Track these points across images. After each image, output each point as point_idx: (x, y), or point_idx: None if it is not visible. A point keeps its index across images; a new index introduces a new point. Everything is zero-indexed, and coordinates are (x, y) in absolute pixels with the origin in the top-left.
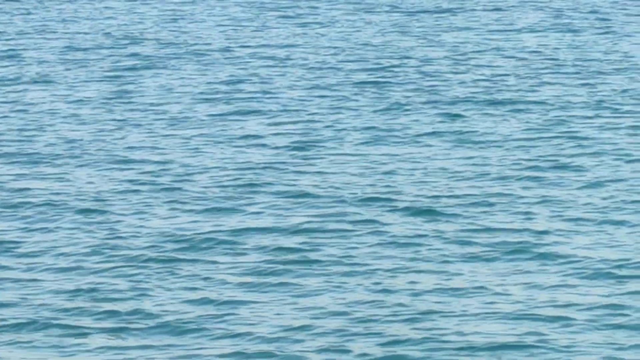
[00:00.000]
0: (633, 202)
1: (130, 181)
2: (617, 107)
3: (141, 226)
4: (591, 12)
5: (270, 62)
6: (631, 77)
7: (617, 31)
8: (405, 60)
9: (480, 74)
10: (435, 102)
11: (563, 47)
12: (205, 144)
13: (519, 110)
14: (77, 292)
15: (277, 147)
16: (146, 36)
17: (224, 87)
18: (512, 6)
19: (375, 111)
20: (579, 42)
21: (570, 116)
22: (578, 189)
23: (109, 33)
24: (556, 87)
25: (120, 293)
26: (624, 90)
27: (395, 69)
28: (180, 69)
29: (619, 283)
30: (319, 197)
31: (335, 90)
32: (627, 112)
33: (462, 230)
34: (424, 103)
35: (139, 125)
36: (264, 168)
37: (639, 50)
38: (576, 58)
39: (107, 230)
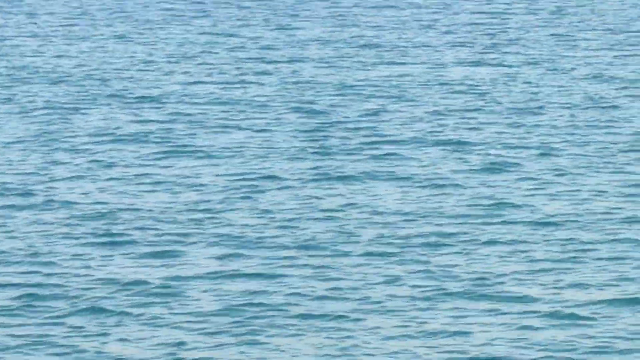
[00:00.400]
0: (582, 241)
1: (62, 225)
2: (556, 144)
3: (76, 272)
4: (523, 46)
5: (201, 102)
6: (572, 113)
7: (552, 66)
8: (340, 99)
9: (417, 113)
10: (374, 142)
11: (498, 82)
12: (138, 186)
13: (459, 150)
14: (14, 339)
15: (213, 190)
16: (73, 75)
17: (154, 128)
18: (445, 43)
19: (313, 152)
20: (512, 77)
21: (510, 155)
22: (527, 228)
23: (34, 71)
24: (494, 126)
25: (59, 339)
26: (562, 127)
27: (332, 109)
28: (108, 109)
29: (575, 323)
30: (261, 240)
31: (270, 130)
32: (568, 152)
33: (415, 272)
34: (363, 143)
35: (69, 167)
36: (201, 210)
37: (575, 84)
38: (511, 93)
39: (41, 277)
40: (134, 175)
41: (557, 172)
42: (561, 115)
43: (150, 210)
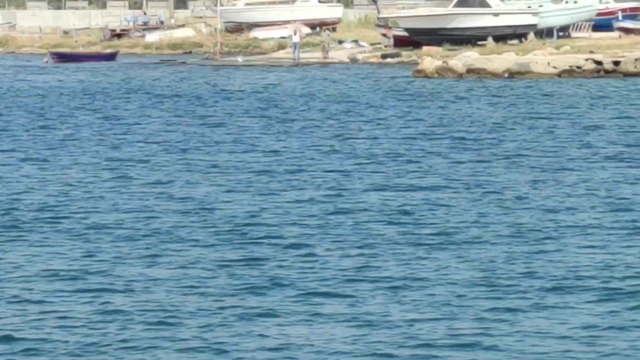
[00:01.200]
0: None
1: None
2: (495, 279)
3: None
4: (447, 171)
5: (119, 234)
6: (510, 243)
7: (478, 193)
8: (275, 237)
9: (345, 250)
10: (311, 279)
11: (421, 210)
12: (56, 320)
13: (391, 286)
14: None
15: (139, 323)
16: None
17: (70, 263)
18: (359, 171)
19: (243, 294)
20: (435, 203)
21: (450, 290)
22: None
23: None
24: (424, 261)
25: None
26: (499, 262)
27: (260, 246)
28: (23, 243)
29: None
30: None
31: (193, 267)
32: (507, 285)
33: None
34: (295, 281)
35: None
36: (127, 347)
37: (503, 214)
38: (438, 224)
39: None
40: (49, 310)
41: (500, 309)
42: (495, 248)
43: (74, 342)
